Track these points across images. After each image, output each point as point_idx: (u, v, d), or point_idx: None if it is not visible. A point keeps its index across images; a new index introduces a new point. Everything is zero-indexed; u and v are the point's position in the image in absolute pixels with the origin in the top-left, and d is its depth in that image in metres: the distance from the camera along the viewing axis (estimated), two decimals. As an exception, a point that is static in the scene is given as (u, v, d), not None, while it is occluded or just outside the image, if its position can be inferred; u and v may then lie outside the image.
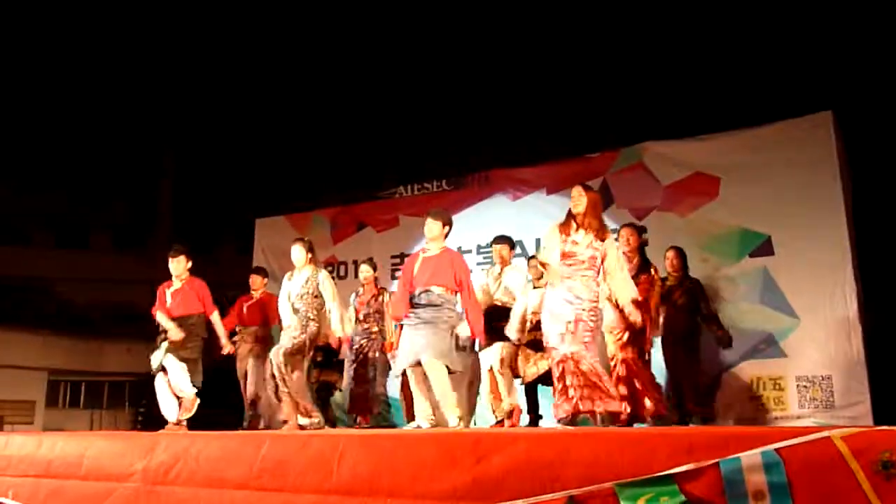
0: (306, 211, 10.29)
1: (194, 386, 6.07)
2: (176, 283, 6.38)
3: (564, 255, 4.78)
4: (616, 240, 5.66)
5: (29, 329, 18.97)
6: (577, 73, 12.73)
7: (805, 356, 6.64)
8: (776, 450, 2.29)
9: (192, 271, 6.49)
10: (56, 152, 19.76)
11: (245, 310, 7.53)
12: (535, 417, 6.14)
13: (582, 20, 12.59)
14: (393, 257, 9.29)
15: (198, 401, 6.07)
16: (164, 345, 6.10)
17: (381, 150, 15.06)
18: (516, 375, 6.05)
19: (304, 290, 6.00)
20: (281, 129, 17.14)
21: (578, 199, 4.82)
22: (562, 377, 4.57)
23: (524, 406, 6.19)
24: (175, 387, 6.04)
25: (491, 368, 6.00)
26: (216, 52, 16.21)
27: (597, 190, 5.05)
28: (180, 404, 6.06)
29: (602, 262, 4.76)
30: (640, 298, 4.91)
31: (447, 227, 5.48)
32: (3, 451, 4.52)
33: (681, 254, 6.42)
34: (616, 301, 5.04)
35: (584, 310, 4.60)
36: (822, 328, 6.60)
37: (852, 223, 6.82)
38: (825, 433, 2.27)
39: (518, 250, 8.25)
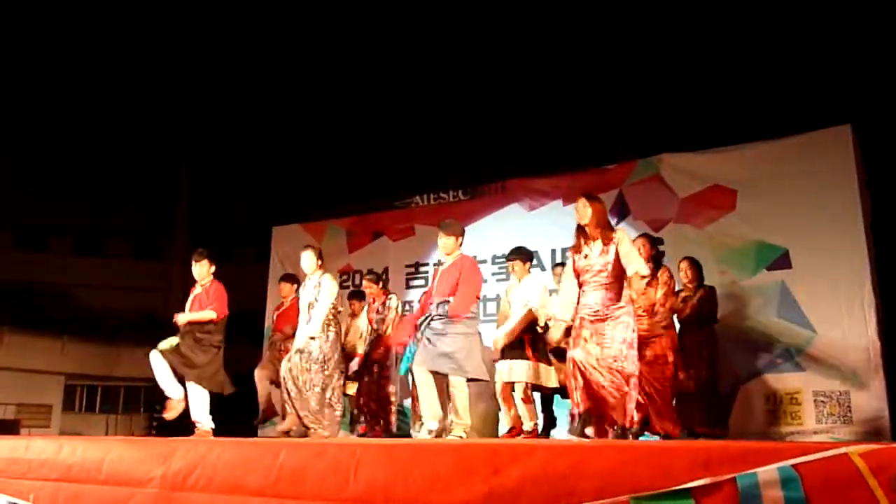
0: (322, 220, 10.36)
1: (219, 391, 6.04)
2: (197, 289, 6.33)
3: (580, 272, 4.76)
4: None
5: (46, 334, 19.18)
6: (594, 84, 12.74)
7: (822, 371, 6.59)
8: (793, 465, 2.29)
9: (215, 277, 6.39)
10: (74, 160, 19.99)
11: (275, 318, 7.62)
12: (548, 419, 6.20)
13: (602, 32, 12.62)
14: (408, 266, 9.33)
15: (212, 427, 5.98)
16: (174, 340, 6.01)
17: (398, 159, 15.14)
18: (536, 389, 6.05)
19: (313, 296, 6.03)
20: (298, 138, 17.25)
21: (583, 211, 4.77)
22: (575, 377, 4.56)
23: (538, 410, 6.18)
24: (192, 408, 6.00)
25: (509, 384, 5.98)
26: (234, 61, 16.37)
27: (601, 198, 5.01)
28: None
29: (616, 257, 4.65)
30: (647, 273, 4.74)
31: (460, 239, 5.56)
32: (24, 455, 4.57)
33: (695, 264, 6.35)
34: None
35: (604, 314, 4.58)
36: (840, 342, 6.54)
37: (871, 237, 6.78)
38: (843, 450, 2.26)
39: (535, 261, 8.29)
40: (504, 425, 6.51)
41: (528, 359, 5.84)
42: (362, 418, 7.21)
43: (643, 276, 4.67)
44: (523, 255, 6.29)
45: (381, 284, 7.39)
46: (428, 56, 14.22)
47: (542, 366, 5.91)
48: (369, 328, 7.42)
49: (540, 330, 6.03)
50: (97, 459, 4.14)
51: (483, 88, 14.18)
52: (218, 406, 6.16)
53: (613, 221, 7.61)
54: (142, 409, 20.28)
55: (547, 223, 8.37)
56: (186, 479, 3.70)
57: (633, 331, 4.56)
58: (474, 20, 13.70)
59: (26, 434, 14.92)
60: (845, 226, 6.70)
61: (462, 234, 5.61)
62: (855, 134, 6.95)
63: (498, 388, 6.04)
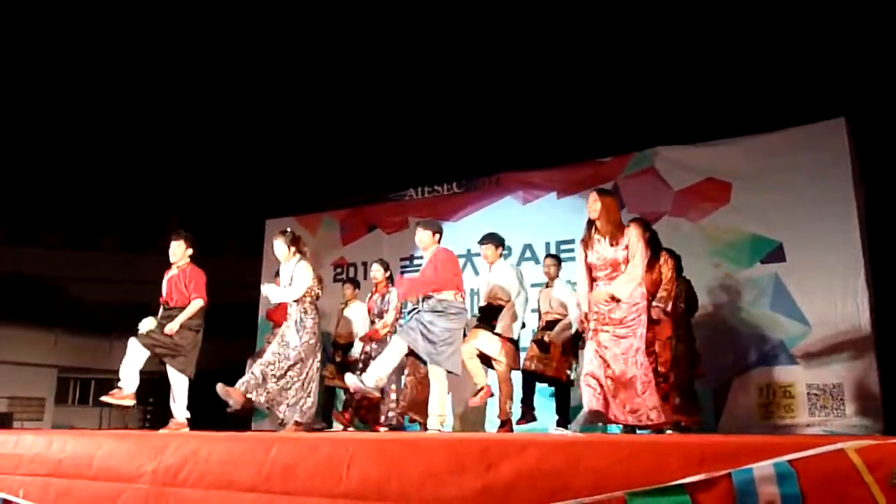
0: (317, 212, 10.32)
1: (187, 376, 5.93)
2: (173, 270, 6.10)
3: (591, 268, 4.77)
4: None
5: (39, 327, 19.13)
6: (589, 76, 12.68)
7: (816, 364, 6.62)
8: (789, 461, 2.27)
9: (201, 265, 6.18)
10: (67, 152, 19.87)
11: (267, 312, 7.76)
12: (527, 408, 6.24)
13: (595, 24, 12.56)
14: (402, 259, 9.31)
15: (186, 427, 5.85)
16: (151, 321, 5.95)
17: (392, 152, 15.06)
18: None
19: (287, 283, 5.77)
20: (292, 130, 17.17)
21: (593, 205, 4.78)
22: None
23: (517, 396, 6.22)
24: (174, 398, 5.97)
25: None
26: (226, 52, 16.26)
27: (612, 193, 5.02)
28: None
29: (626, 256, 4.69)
30: (619, 297, 4.65)
31: (437, 235, 5.62)
32: (14, 450, 4.53)
33: (673, 255, 6.16)
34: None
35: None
36: (834, 336, 6.57)
37: (865, 230, 6.79)
38: (839, 445, 2.24)
39: (528, 254, 8.30)
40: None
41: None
42: (349, 411, 7.22)
43: (614, 299, 4.63)
44: (494, 240, 6.29)
45: (388, 274, 7.36)
46: (422, 48, 14.13)
47: (511, 347, 6.00)
48: (367, 317, 7.39)
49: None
50: (88, 454, 4.11)
51: (477, 81, 14.12)
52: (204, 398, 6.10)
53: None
54: (136, 401, 20.23)
55: (541, 216, 8.37)
56: (178, 474, 3.67)
57: (644, 326, 4.63)
58: (467, 12, 13.63)
59: (19, 427, 14.89)
60: (839, 219, 6.71)
61: (440, 230, 5.67)
62: (849, 127, 6.96)
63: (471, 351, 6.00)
